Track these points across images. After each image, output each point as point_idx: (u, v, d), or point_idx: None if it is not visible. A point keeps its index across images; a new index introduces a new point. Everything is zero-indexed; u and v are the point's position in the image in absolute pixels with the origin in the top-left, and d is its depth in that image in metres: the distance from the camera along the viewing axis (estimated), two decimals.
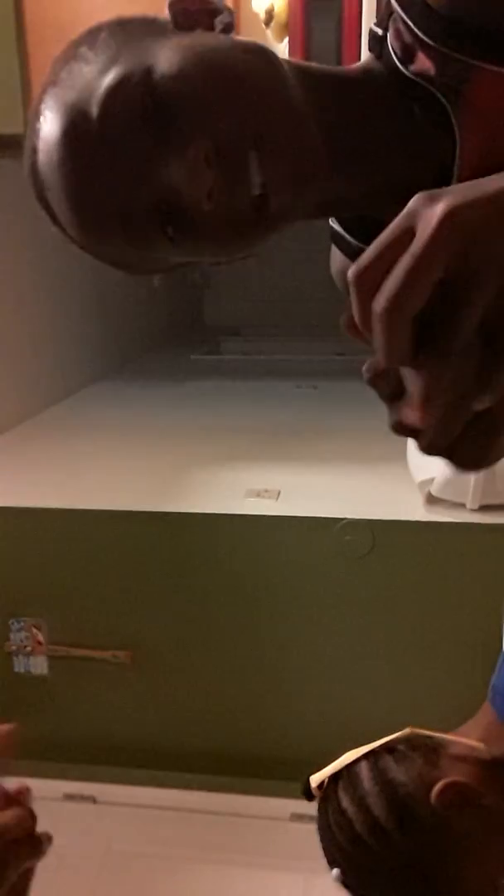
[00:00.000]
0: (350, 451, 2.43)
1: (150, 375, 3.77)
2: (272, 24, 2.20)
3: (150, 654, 2.14)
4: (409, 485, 2.03)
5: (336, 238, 0.68)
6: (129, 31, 0.57)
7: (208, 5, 0.58)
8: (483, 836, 0.76)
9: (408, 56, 0.53)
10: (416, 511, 1.98)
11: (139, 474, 2.36)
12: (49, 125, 0.54)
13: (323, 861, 0.81)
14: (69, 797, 2.15)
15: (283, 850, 1.94)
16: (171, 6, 0.58)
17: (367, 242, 0.51)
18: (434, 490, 1.96)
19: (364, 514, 1.97)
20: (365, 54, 0.59)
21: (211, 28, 0.57)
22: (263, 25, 2.22)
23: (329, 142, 0.55)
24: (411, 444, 0.35)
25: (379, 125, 0.56)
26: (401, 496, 2.04)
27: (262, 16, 2.20)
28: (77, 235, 0.58)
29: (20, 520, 2.13)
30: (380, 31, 0.56)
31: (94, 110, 0.52)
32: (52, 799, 2.13)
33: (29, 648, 2.17)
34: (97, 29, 0.58)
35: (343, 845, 0.79)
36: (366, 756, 0.82)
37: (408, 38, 0.53)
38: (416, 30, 0.51)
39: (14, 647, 2.18)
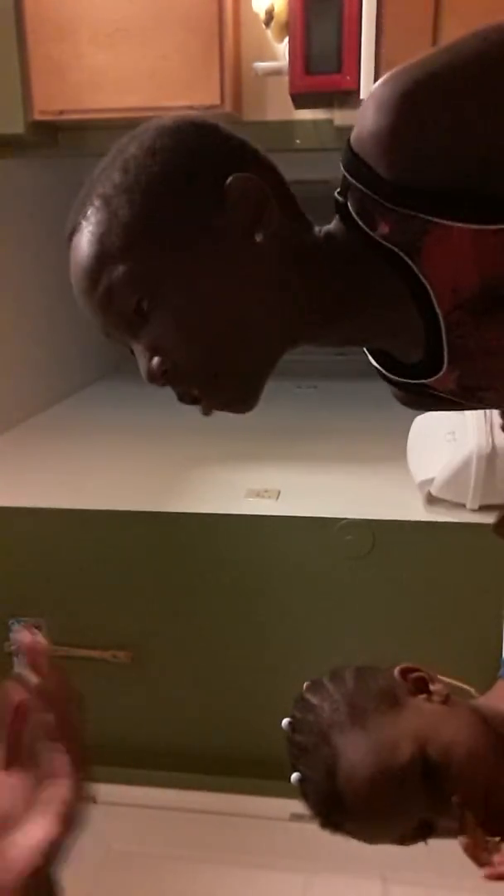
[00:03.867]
0: (350, 451, 2.43)
1: None
2: (272, 24, 2.20)
3: (150, 654, 2.14)
4: (409, 485, 2.02)
5: (379, 372, 0.78)
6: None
7: (263, 196, 0.62)
8: None
9: (369, 219, 0.61)
10: (416, 511, 1.98)
11: (139, 474, 2.36)
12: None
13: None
14: None
15: (283, 850, 1.94)
16: (228, 189, 0.62)
17: (385, 366, 0.72)
18: (434, 490, 1.96)
19: (364, 514, 1.97)
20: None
21: (259, 215, 0.62)
22: (263, 25, 2.22)
23: (322, 309, 0.66)
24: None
25: (354, 282, 0.65)
26: (401, 496, 2.04)
27: (262, 16, 2.20)
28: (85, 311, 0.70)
29: (20, 520, 2.13)
30: (341, 199, 0.63)
31: None
32: None
33: None
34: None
35: None
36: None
37: (367, 204, 0.60)
38: (375, 196, 0.59)
39: (14, 647, 2.17)
